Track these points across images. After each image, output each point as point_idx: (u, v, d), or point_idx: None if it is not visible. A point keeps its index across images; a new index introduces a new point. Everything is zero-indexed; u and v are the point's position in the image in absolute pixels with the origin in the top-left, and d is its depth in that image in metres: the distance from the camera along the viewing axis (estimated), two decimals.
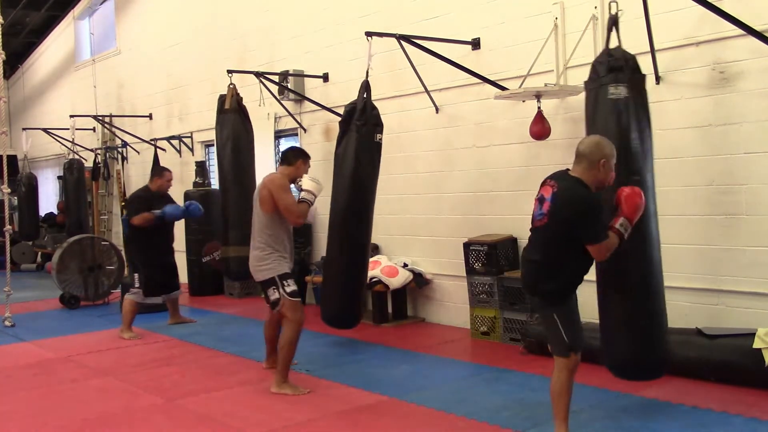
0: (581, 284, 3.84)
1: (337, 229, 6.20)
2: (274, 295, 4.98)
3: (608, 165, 3.62)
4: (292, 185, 5.19)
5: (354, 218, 6.11)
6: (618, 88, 4.21)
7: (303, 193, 5.13)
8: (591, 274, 3.94)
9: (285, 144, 9.32)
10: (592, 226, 3.55)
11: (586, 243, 3.57)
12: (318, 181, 5.22)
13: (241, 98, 7.69)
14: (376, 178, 6.20)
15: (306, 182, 5.17)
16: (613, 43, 4.45)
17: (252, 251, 5.09)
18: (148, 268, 7.05)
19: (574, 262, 3.68)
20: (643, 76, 4.42)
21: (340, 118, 7.29)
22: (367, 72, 6.02)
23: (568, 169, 3.74)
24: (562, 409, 3.69)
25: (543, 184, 3.77)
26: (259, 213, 5.05)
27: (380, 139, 6.12)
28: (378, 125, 6.09)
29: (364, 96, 6.01)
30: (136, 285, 7.08)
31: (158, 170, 7.44)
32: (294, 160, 5.17)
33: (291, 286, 4.98)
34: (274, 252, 5.00)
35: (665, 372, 4.43)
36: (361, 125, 5.99)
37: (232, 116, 7.62)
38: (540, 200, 3.71)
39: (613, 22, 4.42)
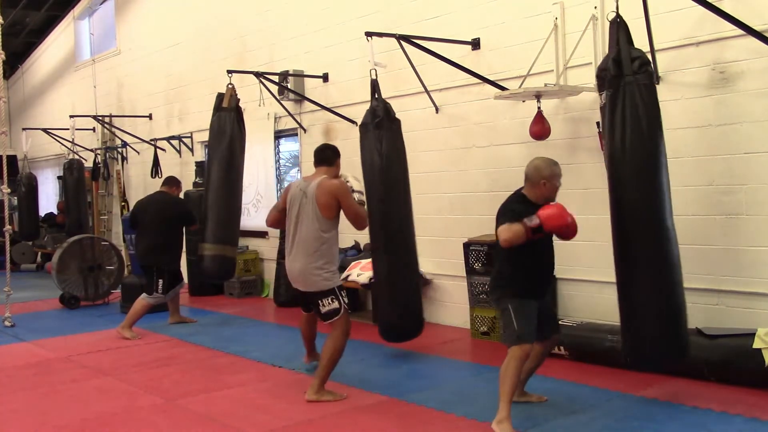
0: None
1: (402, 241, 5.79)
2: (332, 305, 4.71)
3: (549, 184, 4.15)
4: None
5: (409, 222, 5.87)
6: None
7: (357, 195, 5.02)
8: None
9: (285, 144, 9.33)
10: (501, 215, 4.11)
11: (496, 228, 4.07)
12: (358, 179, 5.25)
13: (239, 99, 7.67)
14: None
15: (354, 182, 5.09)
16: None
17: (302, 258, 4.73)
18: (173, 272, 7.28)
19: (525, 259, 4.09)
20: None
21: (341, 119, 7.31)
22: (373, 72, 5.94)
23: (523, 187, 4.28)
24: (506, 392, 3.96)
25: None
26: (316, 219, 4.71)
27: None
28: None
29: (376, 96, 5.82)
30: (160, 290, 7.15)
31: (176, 180, 7.75)
32: (335, 159, 5.02)
33: (346, 298, 4.82)
34: (330, 261, 4.76)
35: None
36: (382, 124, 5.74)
37: (227, 115, 7.54)
38: None
39: (620, 22, 4.38)
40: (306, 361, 5.57)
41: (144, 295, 7.19)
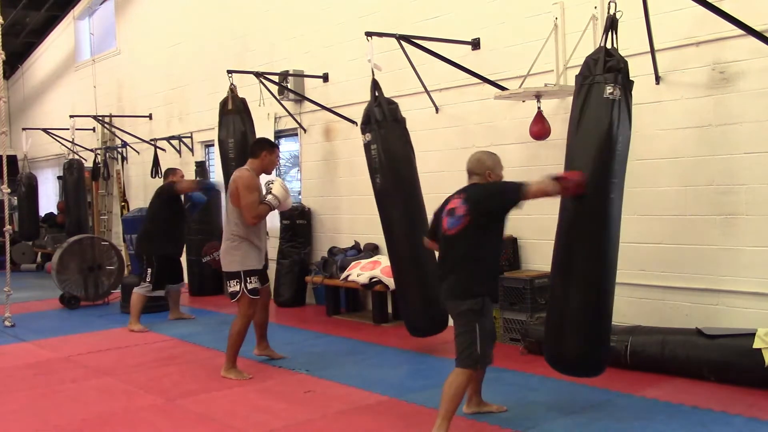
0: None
1: None
2: (234, 287, 5.25)
3: (494, 174, 4.12)
4: (264, 184, 5.39)
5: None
6: (615, 89, 4.18)
7: (269, 197, 5.33)
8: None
9: (285, 144, 9.33)
10: (507, 190, 3.98)
11: (517, 199, 3.91)
12: (288, 192, 5.41)
13: (241, 98, 7.72)
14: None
15: (276, 188, 5.37)
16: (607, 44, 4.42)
17: (223, 242, 5.37)
18: (161, 261, 7.30)
19: (492, 251, 4.03)
20: (632, 83, 4.36)
21: (341, 119, 7.29)
22: (373, 71, 5.96)
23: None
24: (450, 410, 3.83)
25: (447, 202, 4.15)
26: (229, 206, 5.32)
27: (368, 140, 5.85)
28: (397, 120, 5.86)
29: (376, 95, 5.86)
30: (147, 280, 7.27)
31: (170, 169, 7.85)
32: (259, 151, 5.37)
33: (253, 284, 5.26)
34: (243, 243, 5.24)
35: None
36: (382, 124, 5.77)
37: (234, 117, 7.62)
38: (450, 212, 4.04)
39: (612, 21, 4.39)
40: (255, 352, 5.89)
41: (136, 287, 7.38)
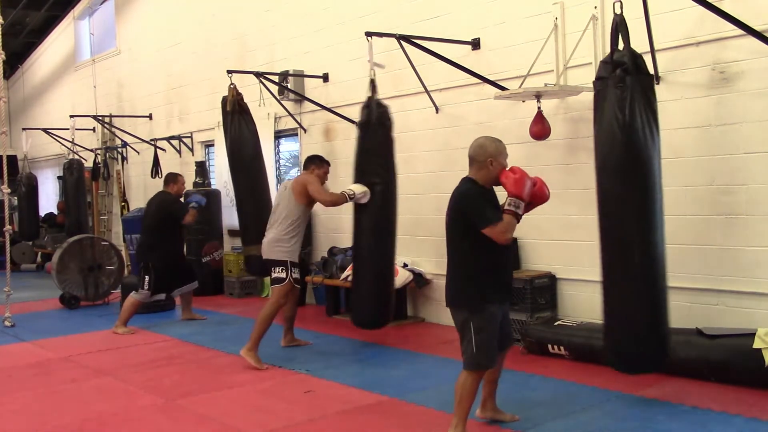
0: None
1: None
2: (280, 273, 5.76)
3: (496, 162, 3.82)
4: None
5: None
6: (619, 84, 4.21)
7: (347, 189, 5.89)
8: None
9: (285, 144, 9.33)
10: (477, 213, 3.70)
11: (481, 229, 3.66)
12: (366, 192, 5.87)
13: (242, 96, 7.70)
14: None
15: (355, 186, 5.93)
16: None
17: (271, 235, 5.87)
18: (161, 271, 7.29)
19: (484, 257, 3.77)
20: (645, 75, 4.39)
21: (341, 119, 7.28)
22: (372, 72, 5.98)
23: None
24: (464, 409, 3.76)
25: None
26: (291, 203, 5.86)
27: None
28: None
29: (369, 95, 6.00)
30: (146, 287, 7.23)
31: (172, 176, 7.76)
32: (309, 164, 6.10)
33: (296, 274, 5.83)
34: (293, 239, 5.84)
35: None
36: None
37: (234, 118, 7.60)
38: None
39: (617, 24, 4.37)
40: (282, 343, 6.29)
41: (133, 292, 7.35)
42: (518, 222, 3.75)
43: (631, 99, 4.17)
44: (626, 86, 4.18)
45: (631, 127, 4.17)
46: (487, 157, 3.82)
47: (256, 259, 7.19)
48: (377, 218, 6.01)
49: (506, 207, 3.75)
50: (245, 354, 5.61)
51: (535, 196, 3.89)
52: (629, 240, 4.27)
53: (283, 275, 5.76)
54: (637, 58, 4.27)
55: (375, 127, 6.00)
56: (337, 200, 5.87)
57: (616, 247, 4.33)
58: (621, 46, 4.30)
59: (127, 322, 7.24)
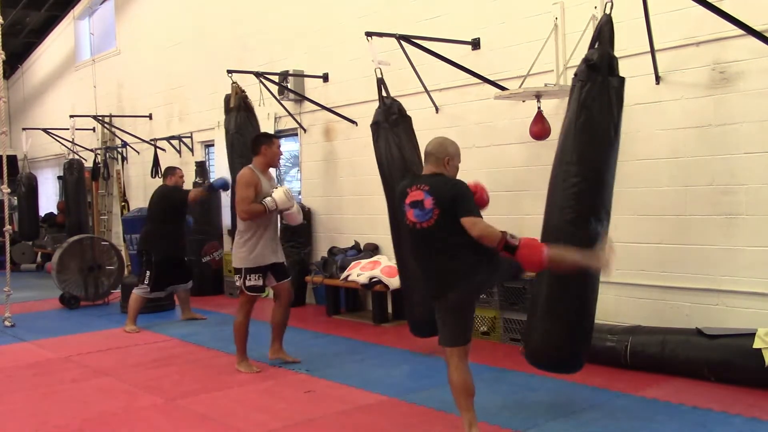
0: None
1: None
2: (238, 282, 5.44)
3: (452, 163, 3.86)
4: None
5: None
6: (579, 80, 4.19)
7: (267, 199, 5.32)
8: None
9: (285, 144, 9.32)
10: (468, 203, 3.71)
11: (462, 216, 3.64)
12: (291, 199, 5.42)
13: (246, 94, 7.72)
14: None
15: (277, 192, 5.39)
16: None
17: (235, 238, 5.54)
18: (161, 265, 7.31)
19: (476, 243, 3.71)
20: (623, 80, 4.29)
21: (341, 119, 7.28)
22: (377, 71, 5.94)
23: (421, 174, 3.96)
24: (468, 399, 3.80)
25: (407, 193, 3.79)
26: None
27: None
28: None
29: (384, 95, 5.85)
30: (145, 282, 7.29)
31: (170, 169, 7.78)
32: (258, 147, 5.49)
33: (252, 281, 5.37)
34: (249, 241, 5.35)
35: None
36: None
37: (238, 114, 7.62)
38: (414, 204, 3.73)
39: (601, 27, 4.32)
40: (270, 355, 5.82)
41: (135, 288, 7.41)
42: (496, 247, 3.63)
43: (592, 96, 4.12)
44: (587, 82, 4.11)
45: (584, 123, 4.18)
46: (446, 155, 3.86)
47: None
48: None
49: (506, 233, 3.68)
50: (237, 367, 5.56)
51: (534, 267, 3.79)
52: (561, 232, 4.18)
53: (239, 283, 5.44)
54: (611, 59, 4.14)
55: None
56: (253, 211, 5.25)
57: (550, 237, 4.23)
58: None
59: (136, 319, 7.31)
